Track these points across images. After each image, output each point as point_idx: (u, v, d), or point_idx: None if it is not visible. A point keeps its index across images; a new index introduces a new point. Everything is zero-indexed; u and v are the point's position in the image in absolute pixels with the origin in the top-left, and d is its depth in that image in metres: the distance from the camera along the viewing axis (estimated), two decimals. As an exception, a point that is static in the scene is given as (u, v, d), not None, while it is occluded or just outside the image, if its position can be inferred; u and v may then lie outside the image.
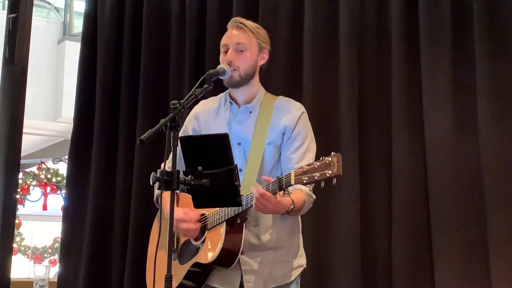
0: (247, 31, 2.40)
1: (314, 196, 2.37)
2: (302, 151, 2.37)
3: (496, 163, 2.99)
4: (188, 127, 2.54)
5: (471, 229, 3.02)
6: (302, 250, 2.47)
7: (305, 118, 2.43)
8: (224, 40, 2.43)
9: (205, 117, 2.50)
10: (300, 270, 2.43)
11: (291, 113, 2.42)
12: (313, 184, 2.10)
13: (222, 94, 2.55)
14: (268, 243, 2.36)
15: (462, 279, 2.99)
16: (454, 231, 3.03)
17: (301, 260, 2.45)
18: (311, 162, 2.09)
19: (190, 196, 2.44)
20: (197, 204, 2.12)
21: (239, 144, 2.40)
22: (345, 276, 3.16)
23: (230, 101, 2.46)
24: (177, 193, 2.44)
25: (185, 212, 2.35)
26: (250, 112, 2.44)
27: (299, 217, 2.47)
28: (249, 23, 2.43)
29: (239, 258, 2.29)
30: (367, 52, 3.34)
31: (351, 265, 3.15)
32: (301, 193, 2.28)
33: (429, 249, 3.07)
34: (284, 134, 2.39)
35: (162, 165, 2.25)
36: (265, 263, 2.35)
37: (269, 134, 2.39)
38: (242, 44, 2.39)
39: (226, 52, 2.41)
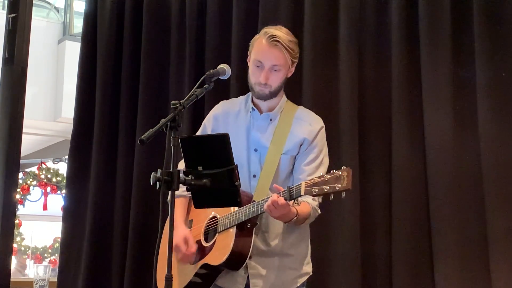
0: (283, 50, 2.36)
1: (319, 211, 2.41)
2: (316, 164, 2.40)
3: (496, 163, 2.98)
4: (207, 127, 2.55)
5: (471, 229, 3.02)
6: (309, 258, 2.50)
7: (323, 133, 2.47)
8: (259, 56, 2.38)
9: (225, 119, 2.51)
10: (306, 277, 2.46)
11: (311, 125, 2.45)
12: (322, 196, 2.12)
13: (242, 97, 2.56)
14: (275, 250, 2.39)
15: (462, 279, 2.99)
16: (454, 231, 3.02)
17: (308, 268, 2.48)
18: (321, 174, 2.12)
19: None
20: (197, 204, 2.13)
21: (255, 150, 2.42)
22: (345, 276, 3.16)
23: (252, 107, 2.47)
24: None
25: (186, 238, 2.39)
26: (271, 120, 2.45)
27: (308, 228, 2.50)
28: (283, 37, 2.37)
29: (246, 262, 2.32)
30: (367, 52, 3.33)
31: (351, 265, 3.15)
32: (307, 206, 2.32)
33: (429, 249, 3.07)
34: (301, 145, 2.42)
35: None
36: (272, 269, 2.39)
37: (287, 143, 2.41)
38: (278, 66, 2.37)
39: (258, 66, 2.38)
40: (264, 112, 2.45)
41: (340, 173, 2.07)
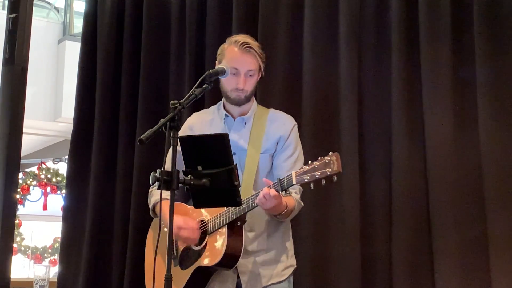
0: (255, 56, 2.49)
1: (303, 204, 2.51)
2: (293, 160, 2.51)
3: (496, 163, 2.98)
4: None
5: (471, 229, 3.02)
6: (292, 252, 2.60)
7: (296, 130, 2.60)
8: (234, 63, 2.47)
9: (200, 128, 2.59)
10: (291, 269, 2.56)
11: (285, 124, 2.58)
12: (313, 183, 2.16)
13: (214, 107, 2.67)
14: (261, 246, 2.49)
15: (462, 279, 2.99)
16: (454, 231, 3.02)
17: (292, 260, 2.58)
18: (310, 162, 2.18)
19: (185, 205, 2.53)
20: (197, 204, 2.13)
21: (234, 154, 2.47)
22: (345, 276, 3.16)
23: (225, 114, 2.56)
24: None
25: (184, 219, 2.45)
26: (245, 123, 2.55)
27: (289, 224, 2.60)
28: (254, 44, 2.51)
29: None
30: (367, 52, 3.33)
31: (351, 265, 3.15)
32: (292, 200, 2.42)
33: (429, 249, 3.07)
34: (278, 143, 2.53)
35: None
36: (259, 264, 2.47)
37: (264, 143, 2.52)
38: (253, 71, 2.49)
39: (234, 74, 2.47)
40: (238, 117, 2.55)
41: (329, 158, 2.13)
